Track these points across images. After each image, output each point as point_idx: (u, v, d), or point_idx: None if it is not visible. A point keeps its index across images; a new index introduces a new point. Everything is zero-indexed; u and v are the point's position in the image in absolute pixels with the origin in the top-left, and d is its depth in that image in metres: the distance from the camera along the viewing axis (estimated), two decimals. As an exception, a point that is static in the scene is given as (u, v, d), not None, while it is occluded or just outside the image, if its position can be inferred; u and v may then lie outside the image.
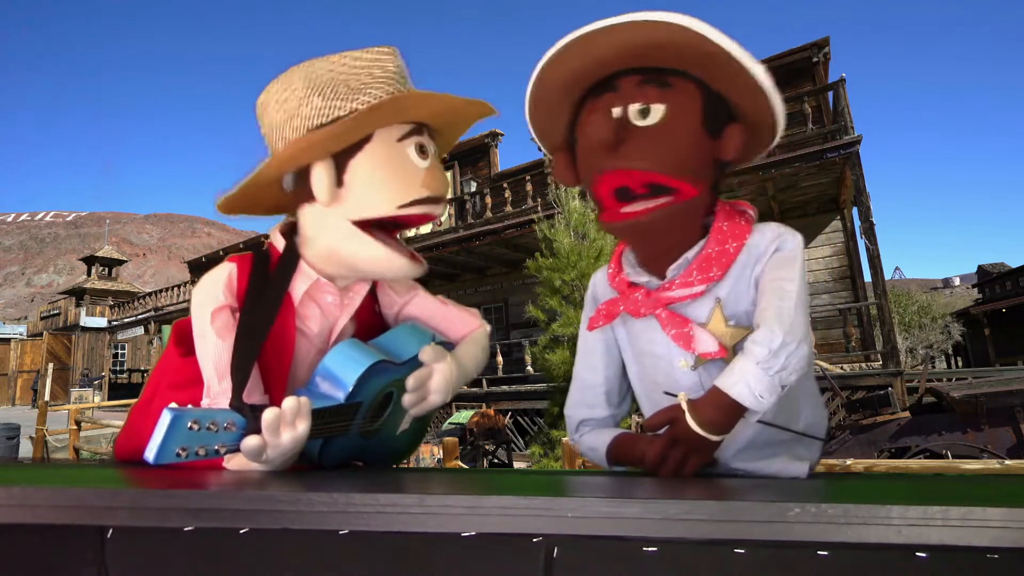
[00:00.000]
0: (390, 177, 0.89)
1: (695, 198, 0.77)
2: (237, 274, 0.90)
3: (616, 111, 0.76)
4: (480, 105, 0.94)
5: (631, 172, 0.75)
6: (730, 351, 0.78)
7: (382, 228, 0.94)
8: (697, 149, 0.77)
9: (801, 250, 0.78)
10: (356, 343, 0.91)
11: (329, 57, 0.90)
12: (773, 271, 0.77)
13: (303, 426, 0.78)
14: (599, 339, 0.93)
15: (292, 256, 0.93)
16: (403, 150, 0.90)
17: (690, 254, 0.80)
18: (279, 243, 0.95)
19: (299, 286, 0.92)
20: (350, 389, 0.85)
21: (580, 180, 0.84)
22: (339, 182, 0.89)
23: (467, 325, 1.08)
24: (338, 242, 0.91)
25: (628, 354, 0.91)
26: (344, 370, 0.86)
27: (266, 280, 0.90)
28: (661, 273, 0.82)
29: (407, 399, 0.92)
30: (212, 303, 0.86)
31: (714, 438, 0.71)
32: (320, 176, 0.87)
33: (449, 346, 1.03)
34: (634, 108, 0.75)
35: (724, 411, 0.70)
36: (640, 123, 0.75)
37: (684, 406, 0.72)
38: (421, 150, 0.91)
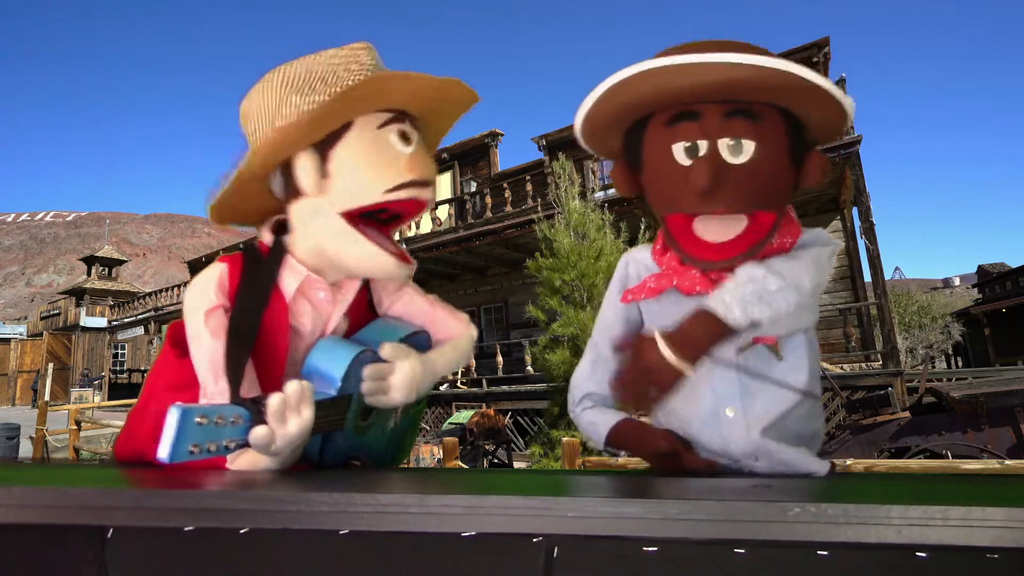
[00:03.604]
0: (373, 163, 0.89)
1: (774, 223, 0.77)
2: (228, 273, 0.90)
3: (703, 145, 0.74)
4: (456, 84, 0.93)
5: (725, 213, 0.74)
6: (779, 338, 0.79)
7: (375, 224, 0.93)
8: (785, 182, 0.77)
9: (834, 254, 0.82)
10: (336, 339, 0.93)
11: (305, 57, 0.91)
12: (806, 251, 0.80)
13: (308, 412, 0.78)
14: (622, 317, 0.93)
15: (279, 252, 0.93)
16: (384, 136, 0.90)
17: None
18: (268, 240, 0.96)
19: (290, 282, 0.92)
20: (339, 383, 0.86)
21: (645, 199, 0.84)
22: (324, 173, 0.89)
23: (451, 329, 1.07)
24: (327, 239, 0.91)
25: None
26: (331, 364, 0.88)
27: (257, 278, 0.90)
28: None
29: (364, 387, 0.90)
30: (205, 304, 0.86)
31: (685, 365, 0.75)
32: (304, 165, 0.88)
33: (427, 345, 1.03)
34: (724, 143, 0.73)
35: (695, 324, 0.75)
36: (732, 160, 0.73)
37: (657, 335, 0.76)
38: (403, 136, 0.91)
